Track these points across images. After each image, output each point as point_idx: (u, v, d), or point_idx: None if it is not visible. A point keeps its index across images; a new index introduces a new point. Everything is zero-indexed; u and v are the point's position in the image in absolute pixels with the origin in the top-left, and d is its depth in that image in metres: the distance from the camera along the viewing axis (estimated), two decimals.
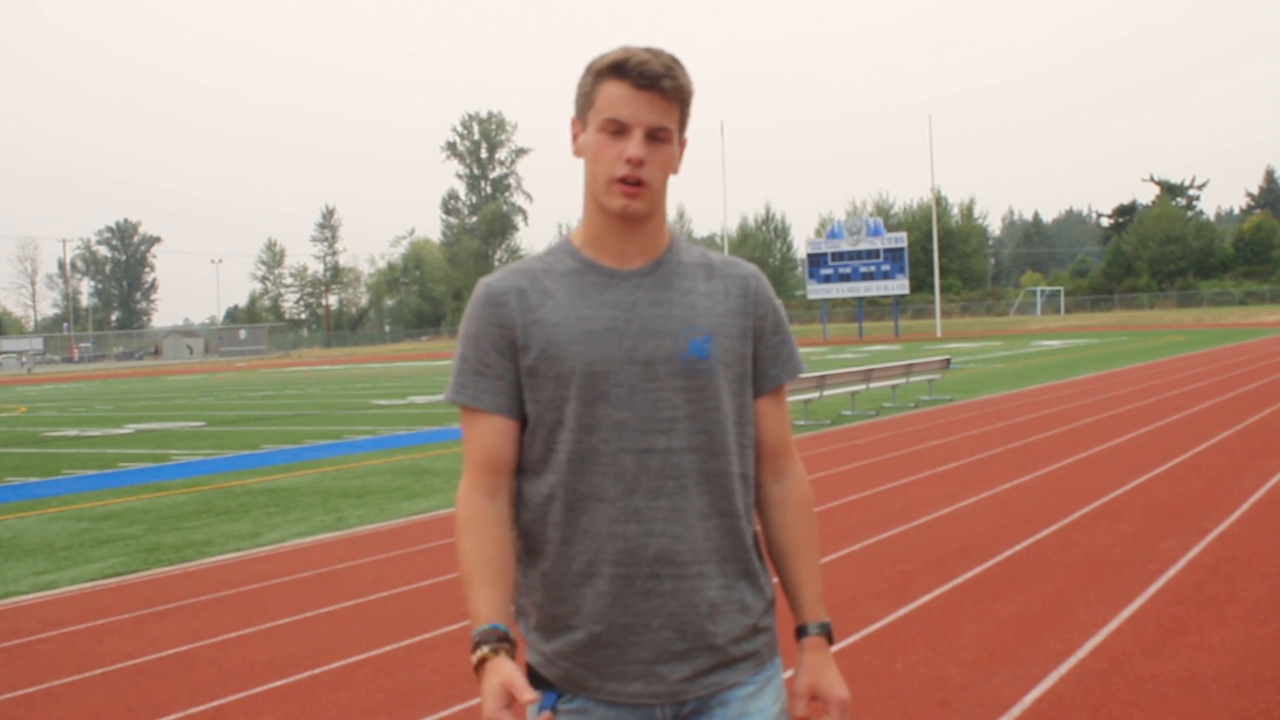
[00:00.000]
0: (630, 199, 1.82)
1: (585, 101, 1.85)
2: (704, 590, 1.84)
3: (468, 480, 1.89)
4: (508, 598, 1.83)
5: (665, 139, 1.83)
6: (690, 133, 1.94)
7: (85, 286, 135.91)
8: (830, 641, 1.97)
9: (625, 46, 1.83)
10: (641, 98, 1.79)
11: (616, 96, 1.80)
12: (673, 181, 1.93)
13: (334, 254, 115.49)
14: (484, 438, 1.88)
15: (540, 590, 1.88)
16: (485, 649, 1.74)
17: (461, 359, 1.90)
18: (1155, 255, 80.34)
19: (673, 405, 1.83)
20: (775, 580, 2.00)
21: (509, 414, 1.87)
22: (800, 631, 1.96)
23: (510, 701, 1.70)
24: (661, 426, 1.82)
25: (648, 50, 1.82)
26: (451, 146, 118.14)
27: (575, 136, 1.89)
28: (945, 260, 79.47)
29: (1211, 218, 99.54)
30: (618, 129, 1.81)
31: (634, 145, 1.79)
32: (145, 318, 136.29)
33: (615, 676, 1.83)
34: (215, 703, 4.92)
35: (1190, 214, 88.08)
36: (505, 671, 1.71)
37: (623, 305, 1.85)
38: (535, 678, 1.89)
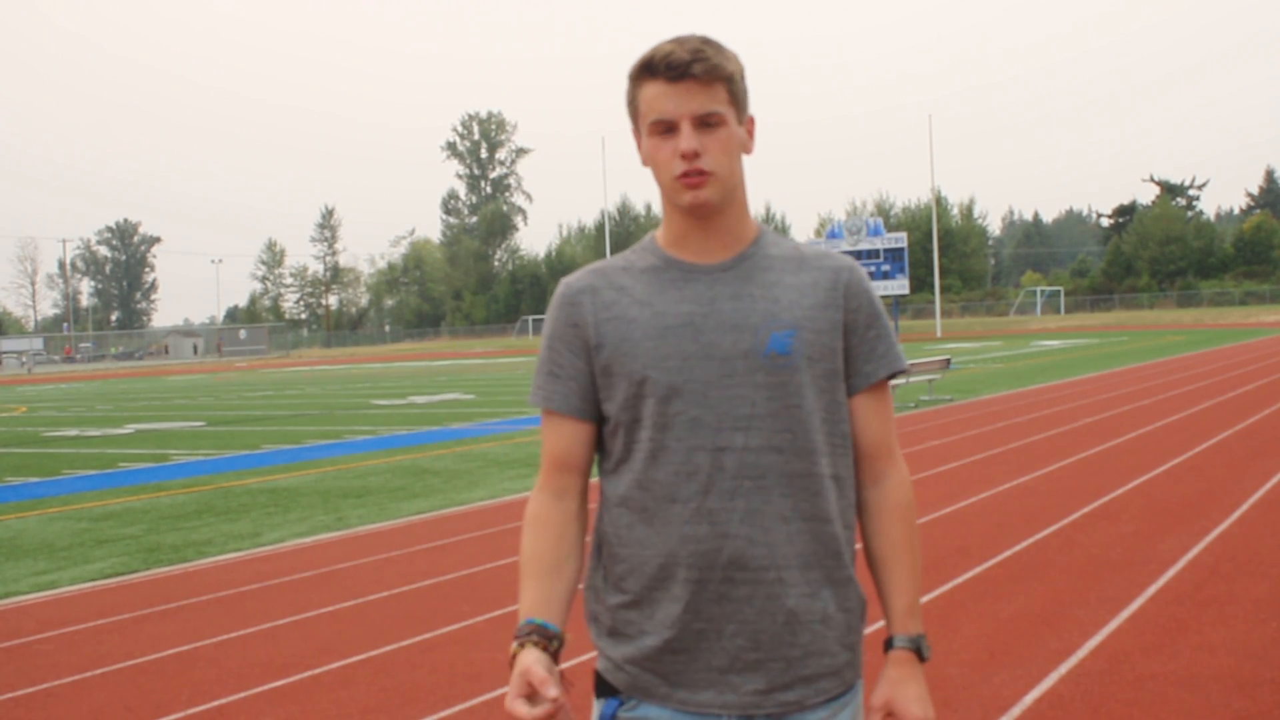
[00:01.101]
0: (697, 190, 1.75)
1: (632, 110, 1.82)
2: (782, 598, 1.75)
3: (539, 481, 1.88)
4: (552, 595, 1.79)
5: (718, 122, 1.76)
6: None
7: (85, 286, 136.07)
8: (921, 657, 1.86)
9: (658, 43, 1.79)
10: (679, 90, 1.74)
11: (655, 96, 1.76)
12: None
13: (334, 254, 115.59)
14: (556, 438, 1.86)
15: (614, 594, 1.83)
16: (515, 644, 1.73)
17: (540, 360, 1.88)
18: (1155, 255, 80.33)
19: (751, 402, 1.75)
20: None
21: (581, 415, 1.84)
22: (887, 644, 1.88)
23: (529, 691, 1.66)
24: (739, 424, 1.75)
25: (673, 41, 1.77)
26: (451, 146, 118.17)
27: (639, 147, 1.84)
28: (945, 260, 79.45)
29: (1211, 218, 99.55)
30: (667, 127, 1.76)
31: (684, 138, 1.74)
32: (145, 318, 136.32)
33: (686, 684, 1.77)
34: (215, 703, 4.92)
35: (1190, 214, 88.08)
36: (526, 661, 1.69)
37: (701, 300, 1.79)
38: (602, 685, 1.84)
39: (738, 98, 1.80)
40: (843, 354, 1.84)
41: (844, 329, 1.83)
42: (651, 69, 1.76)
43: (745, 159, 1.85)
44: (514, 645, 1.73)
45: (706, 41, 1.78)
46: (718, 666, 1.76)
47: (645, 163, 1.83)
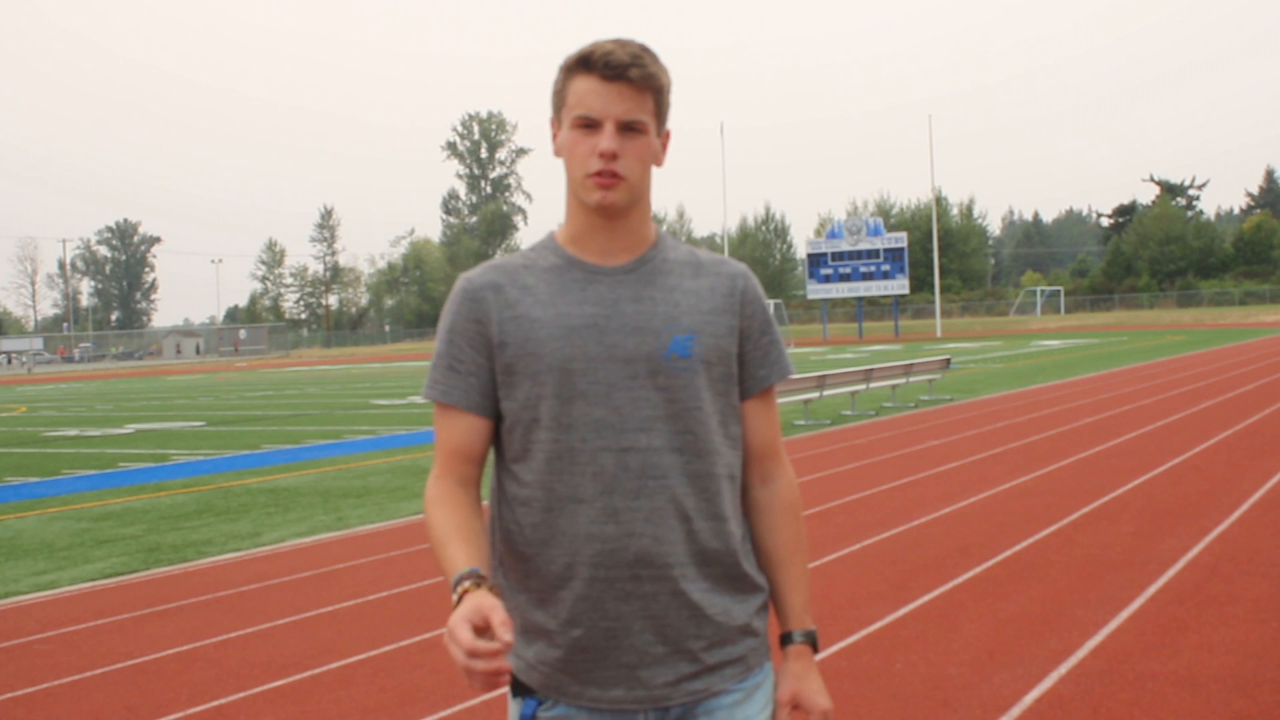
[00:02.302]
0: (606, 190, 1.78)
1: (558, 100, 1.84)
2: (687, 593, 1.80)
3: (437, 471, 1.86)
4: (485, 556, 1.74)
5: (641, 130, 1.79)
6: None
7: (85, 286, 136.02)
8: (815, 650, 1.93)
9: (598, 40, 1.80)
10: (611, 90, 1.76)
11: (586, 91, 1.77)
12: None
13: (334, 254, 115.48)
14: (455, 434, 1.85)
15: (521, 594, 1.84)
16: (467, 583, 1.63)
17: (437, 354, 1.88)
18: (1155, 255, 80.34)
19: (653, 404, 1.79)
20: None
21: (480, 412, 1.85)
22: (785, 639, 1.93)
23: (481, 621, 1.54)
24: (642, 425, 1.78)
25: (614, 41, 1.79)
26: (451, 146, 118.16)
27: (554, 136, 1.86)
28: (945, 260, 79.46)
29: (1211, 218, 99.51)
30: (589, 123, 1.78)
31: (606, 138, 1.76)
32: (145, 318, 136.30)
33: (596, 682, 1.79)
34: (215, 703, 4.92)
35: (1190, 214, 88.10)
36: (483, 597, 1.59)
37: (604, 302, 1.82)
38: (517, 685, 1.86)
39: (662, 110, 1.84)
40: (737, 359, 1.89)
41: (740, 334, 1.88)
42: (588, 64, 1.78)
43: (661, 168, 1.90)
44: (464, 585, 1.63)
45: (645, 49, 1.81)
46: (627, 663, 1.79)
47: (558, 153, 1.85)
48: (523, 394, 1.81)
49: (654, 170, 1.87)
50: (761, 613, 1.91)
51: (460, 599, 1.62)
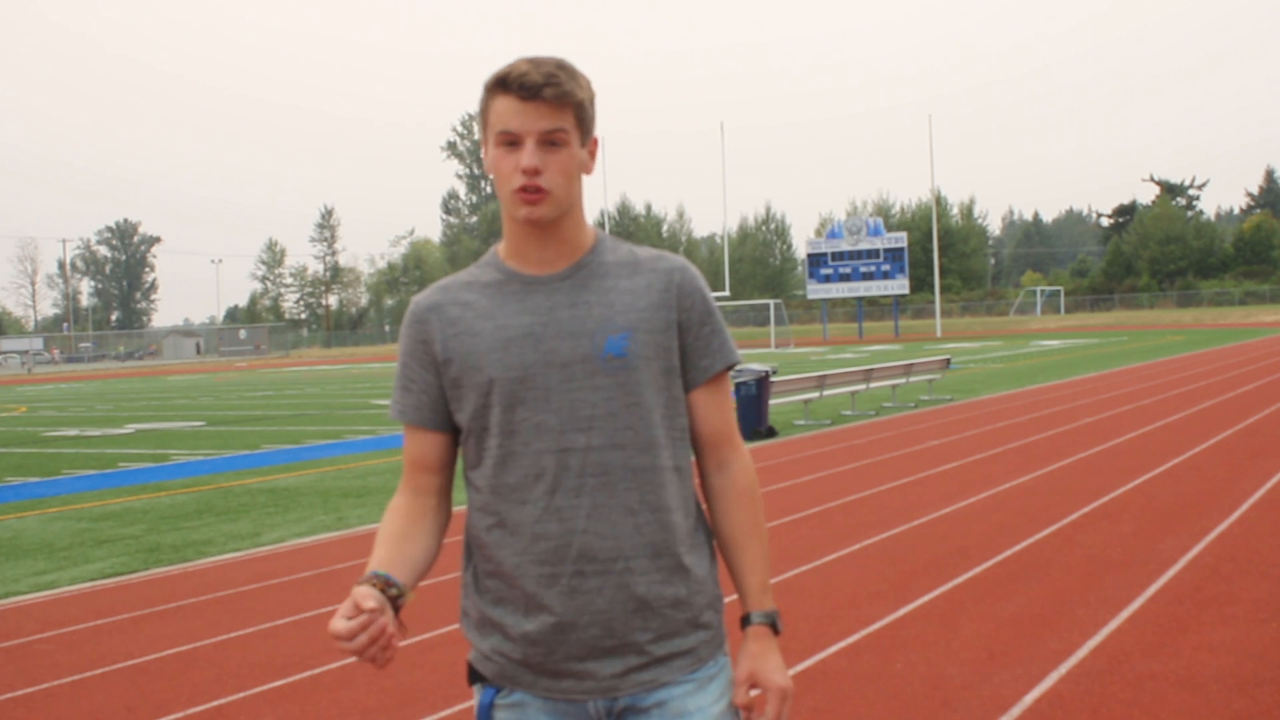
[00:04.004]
0: (532, 206, 1.83)
1: (483, 119, 1.89)
2: (632, 586, 1.85)
3: (400, 483, 2.01)
4: (400, 556, 1.87)
5: (562, 142, 1.83)
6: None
7: (85, 286, 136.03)
8: (775, 631, 1.96)
9: (516, 60, 1.85)
10: (528, 108, 1.81)
11: (504, 110, 1.83)
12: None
13: (334, 254, 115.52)
14: (413, 448, 1.98)
15: (480, 592, 1.93)
16: (357, 585, 1.79)
17: (396, 376, 2.00)
18: (1155, 255, 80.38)
19: (592, 404, 1.85)
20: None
21: (433, 426, 1.96)
22: (744, 620, 1.96)
23: (352, 612, 1.70)
24: (581, 425, 1.84)
25: (530, 60, 1.84)
26: (451, 146, 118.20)
27: (484, 154, 1.91)
28: (945, 260, 79.48)
29: (1211, 218, 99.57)
30: (510, 140, 1.83)
31: (526, 155, 1.81)
32: (145, 318, 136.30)
33: (547, 673, 1.87)
34: (215, 703, 4.92)
35: (1190, 214, 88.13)
36: (358, 589, 1.75)
37: (540, 310, 1.88)
38: (474, 675, 1.95)
39: (584, 122, 1.88)
40: (679, 351, 1.93)
41: (679, 327, 1.93)
42: (505, 84, 1.83)
43: (591, 176, 1.95)
44: (356, 587, 1.79)
45: (561, 66, 1.85)
46: (575, 655, 1.85)
47: (489, 170, 1.90)
48: (470, 405, 1.90)
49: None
50: (714, 605, 1.95)
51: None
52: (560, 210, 1.87)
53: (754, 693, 1.92)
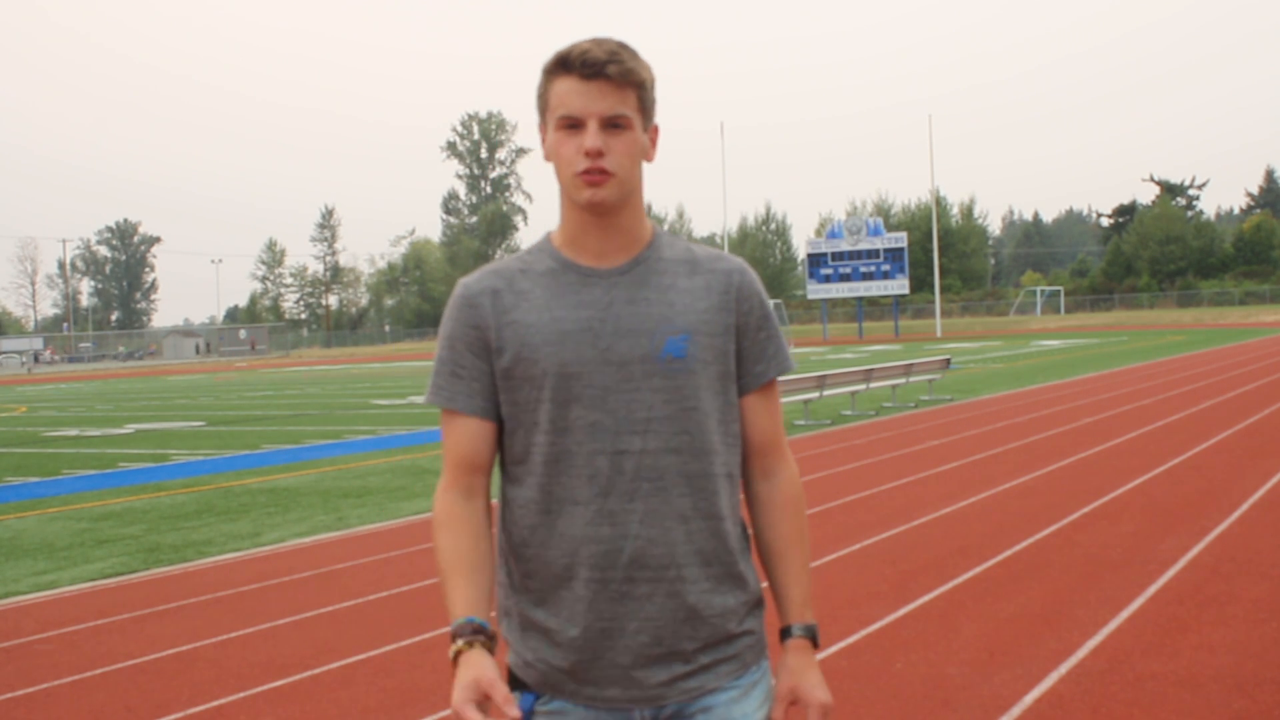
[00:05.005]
0: (596, 188, 1.78)
1: (542, 103, 1.84)
2: (683, 594, 1.80)
3: (445, 481, 1.89)
4: (485, 593, 1.82)
5: (625, 125, 1.79)
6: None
7: (85, 286, 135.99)
8: (815, 645, 1.93)
9: (573, 42, 1.81)
10: (591, 88, 1.76)
11: (566, 91, 1.78)
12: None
13: (334, 254, 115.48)
14: (459, 439, 1.87)
15: (521, 593, 1.87)
16: (460, 642, 1.74)
17: (439, 360, 1.90)
18: (1155, 255, 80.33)
19: (649, 406, 1.80)
20: (765, 584, 1.97)
21: (484, 415, 1.86)
22: (784, 633, 1.93)
23: (481, 697, 1.68)
24: (637, 428, 1.79)
25: (591, 40, 1.79)
26: (451, 146, 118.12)
27: (543, 140, 1.87)
28: (945, 260, 79.45)
29: (1211, 218, 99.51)
30: (573, 123, 1.78)
31: (590, 137, 1.77)
32: (145, 318, 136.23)
33: (592, 681, 1.81)
34: (215, 703, 4.92)
35: (1190, 214, 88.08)
36: (481, 666, 1.70)
37: (598, 305, 1.82)
38: (514, 680, 1.89)
39: (646, 105, 1.83)
40: (734, 355, 1.88)
41: (736, 331, 1.88)
42: (566, 65, 1.78)
43: (652, 164, 1.90)
44: (458, 644, 1.74)
45: (623, 46, 1.81)
46: (622, 664, 1.80)
47: (548, 157, 1.85)
48: (521, 398, 1.83)
49: (654, 169, 1.88)
50: (757, 611, 1.92)
51: (456, 659, 1.73)
52: (623, 194, 1.82)
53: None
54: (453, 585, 1.80)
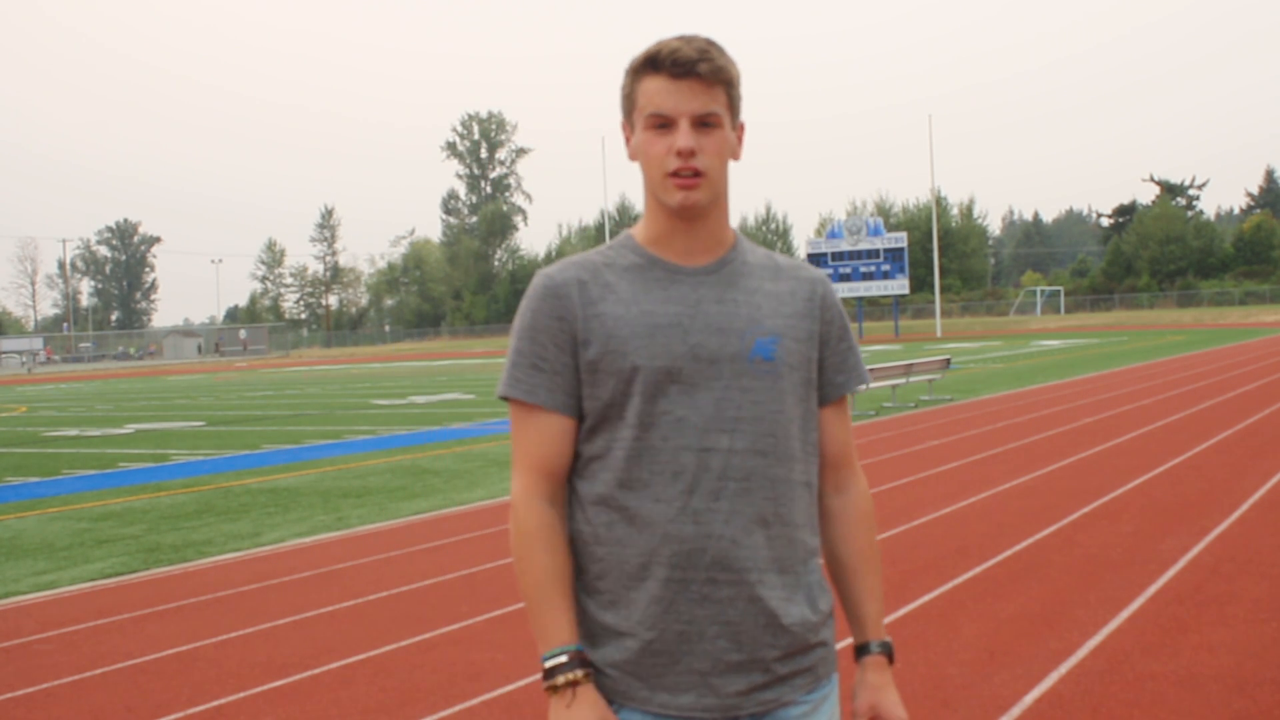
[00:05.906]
0: (689, 190, 1.75)
1: (628, 103, 1.81)
2: (763, 600, 1.75)
3: (526, 484, 1.81)
4: (574, 616, 1.79)
5: (715, 124, 1.76)
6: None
7: (85, 286, 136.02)
8: (891, 661, 1.91)
9: (661, 40, 1.78)
10: (681, 87, 1.74)
11: (655, 90, 1.75)
12: None
13: (334, 254, 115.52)
14: (541, 437, 1.80)
15: (591, 595, 1.80)
16: (578, 672, 1.72)
17: (517, 352, 1.81)
18: (1155, 255, 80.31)
19: (738, 405, 1.76)
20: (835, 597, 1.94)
21: (567, 411, 1.80)
22: (862, 649, 1.90)
23: None
24: (725, 426, 1.75)
25: (680, 38, 1.77)
26: (451, 146, 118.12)
27: (627, 140, 1.83)
28: (945, 260, 79.45)
29: (1211, 218, 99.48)
30: (663, 123, 1.75)
31: (682, 136, 1.74)
32: (145, 318, 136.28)
33: (666, 687, 1.75)
34: (215, 703, 4.92)
35: (1190, 214, 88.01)
36: (602, 706, 1.71)
37: (687, 301, 1.78)
38: None
39: (734, 103, 1.81)
40: (816, 365, 1.87)
41: (819, 340, 1.87)
42: (656, 64, 1.75)
43: (739, 162, 1.87)
44: (575, 674, 1.72)
45: (712, 43, 1.78)
46: (699, 669, 1.74)
47: (633, 157, 1.82)
48: (606, 391, 1.77)
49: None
50: (830, 623, 1.88)
51: (566, 689, 1.72)
52: (714, 195, 1.79)
53: None
54: (553, 605, 1.75)
